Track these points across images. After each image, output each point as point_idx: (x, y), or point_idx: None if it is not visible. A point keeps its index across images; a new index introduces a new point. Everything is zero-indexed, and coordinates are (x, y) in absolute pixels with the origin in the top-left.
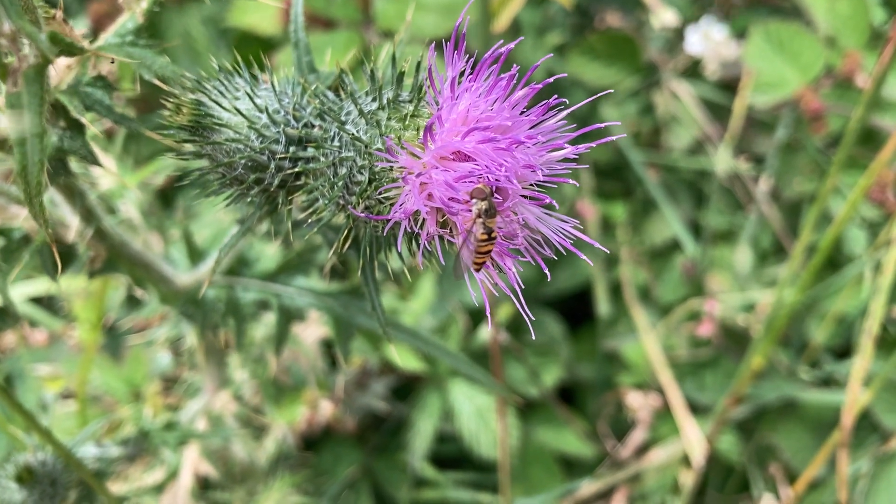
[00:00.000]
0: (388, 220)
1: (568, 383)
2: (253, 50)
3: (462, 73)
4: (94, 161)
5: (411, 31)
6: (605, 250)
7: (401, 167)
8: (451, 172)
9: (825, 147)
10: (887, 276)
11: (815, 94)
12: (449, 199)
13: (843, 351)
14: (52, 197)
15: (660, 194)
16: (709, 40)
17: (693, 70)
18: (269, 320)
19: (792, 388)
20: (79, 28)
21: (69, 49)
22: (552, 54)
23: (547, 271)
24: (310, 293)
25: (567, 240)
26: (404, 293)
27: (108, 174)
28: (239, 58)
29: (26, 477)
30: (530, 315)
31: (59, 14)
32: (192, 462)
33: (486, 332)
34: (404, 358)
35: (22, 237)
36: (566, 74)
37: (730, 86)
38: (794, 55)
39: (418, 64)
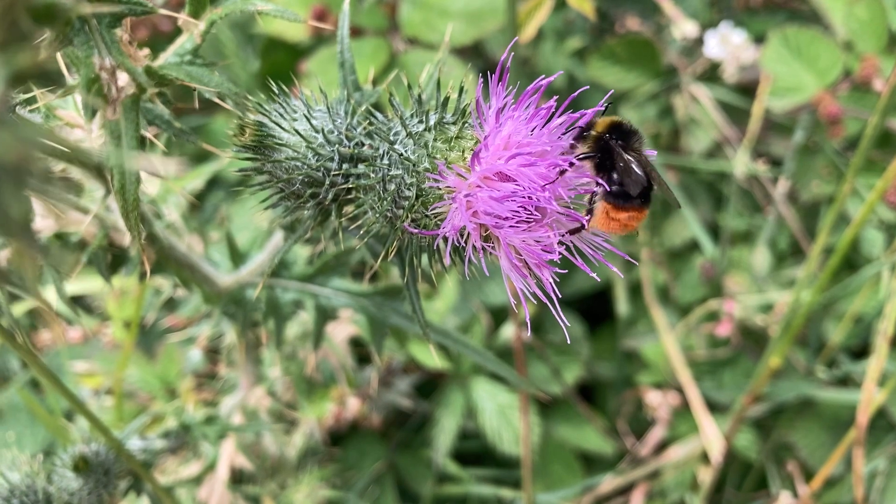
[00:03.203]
0: (436, 235)
1: (588, 382)
2: (280, 56)
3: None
4: (156, 172)
5: (437, 39)
6: (634, 262)
7: (448, 187)
8: (495, 192)
9: (843, 150)
10: None
11: (833, 98)
12: (493, 215)
13: (860, 351)
14: (109, 204)
15: (679, 196)
16: (727, 44)
17: (712, 74)
18: (301, 320)
19: (809, 388)
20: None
21: (161, 80)
22: (572, 59)
23: (591, 273)
24: (346, 294)
25: (598, 251)
26: (430, 292)
27: (153, 180)
28: (297, 82)
29: (82, 466)
30: (566, 322)
31: (126, 37)
32: (229, 455)
33: (508, 332)
34: (430, 356)
35: (78, 241)
36: (586, 79)
37: (748, 89)
38: (811, 59)
39: (461, 88)
